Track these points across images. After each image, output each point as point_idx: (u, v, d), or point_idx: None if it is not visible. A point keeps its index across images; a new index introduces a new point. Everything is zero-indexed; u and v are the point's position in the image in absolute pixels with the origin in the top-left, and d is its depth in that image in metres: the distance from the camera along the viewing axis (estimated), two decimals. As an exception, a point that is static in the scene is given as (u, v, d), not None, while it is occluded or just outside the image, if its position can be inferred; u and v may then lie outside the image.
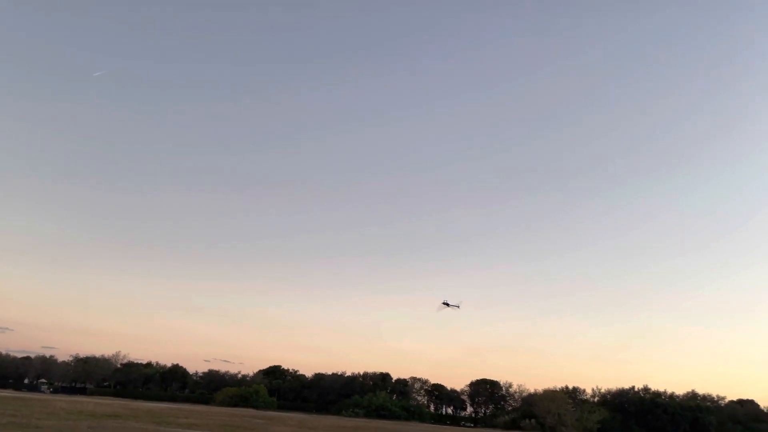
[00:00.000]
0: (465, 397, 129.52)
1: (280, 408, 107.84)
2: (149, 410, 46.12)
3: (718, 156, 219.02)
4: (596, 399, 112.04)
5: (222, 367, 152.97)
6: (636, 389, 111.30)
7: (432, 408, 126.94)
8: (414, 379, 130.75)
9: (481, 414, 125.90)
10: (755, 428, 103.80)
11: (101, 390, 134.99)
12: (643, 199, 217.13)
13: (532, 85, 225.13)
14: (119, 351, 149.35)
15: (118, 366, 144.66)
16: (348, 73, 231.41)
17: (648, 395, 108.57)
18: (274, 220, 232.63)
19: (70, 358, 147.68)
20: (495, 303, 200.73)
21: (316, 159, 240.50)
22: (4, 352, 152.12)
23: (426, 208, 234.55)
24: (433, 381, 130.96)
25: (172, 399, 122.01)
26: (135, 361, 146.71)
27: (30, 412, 29.62)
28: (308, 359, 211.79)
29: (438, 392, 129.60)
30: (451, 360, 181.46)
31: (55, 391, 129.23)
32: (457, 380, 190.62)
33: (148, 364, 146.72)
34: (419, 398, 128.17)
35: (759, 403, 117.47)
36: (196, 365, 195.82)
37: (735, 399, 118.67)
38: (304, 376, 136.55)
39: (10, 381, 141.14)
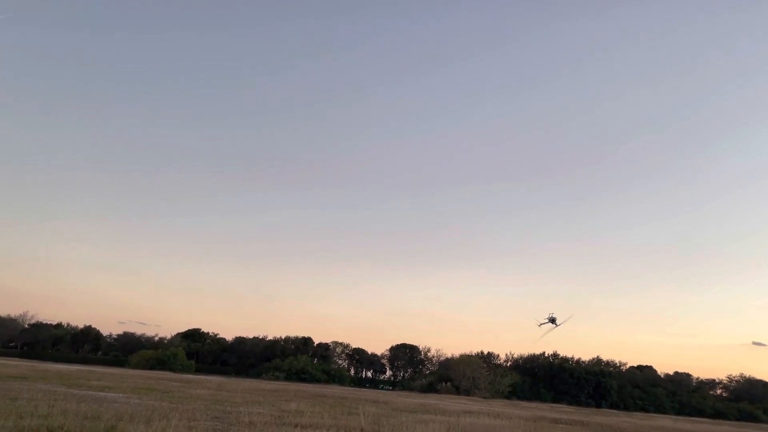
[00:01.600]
0: (385, 361, 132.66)
1: (199, 371, 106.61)
2: (59, 372, 44.44)
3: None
4: (509, 364, 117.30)
5: (138, 330, 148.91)
6: (546, 355, 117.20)
7: (352, 371, 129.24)
8: (336, 343, 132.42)
9: (400, 377, 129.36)
10: (651, 391, 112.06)
11: (7, 351, 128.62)
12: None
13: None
14: (27, 311, 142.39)
15: (26, 326, 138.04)
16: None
17: (556, 360, 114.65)
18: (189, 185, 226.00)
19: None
20: (414, 267, 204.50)
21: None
22: None
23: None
24: (354, 345, 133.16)
25: (84, 361, 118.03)
26: (44, 322, 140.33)
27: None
28: (229, 323, 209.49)
29: (359, 356, 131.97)
30: (374, 325, 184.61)
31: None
32: (379, 344, 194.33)
33: (59, 325, 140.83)
34: (340, 362, 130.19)
35: (656, 369, 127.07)
36: (110, 327, 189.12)
37: (635, 365, 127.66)
38: (224, 339, 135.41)
39: None
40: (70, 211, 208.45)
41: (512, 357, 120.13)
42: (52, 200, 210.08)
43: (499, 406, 54.59)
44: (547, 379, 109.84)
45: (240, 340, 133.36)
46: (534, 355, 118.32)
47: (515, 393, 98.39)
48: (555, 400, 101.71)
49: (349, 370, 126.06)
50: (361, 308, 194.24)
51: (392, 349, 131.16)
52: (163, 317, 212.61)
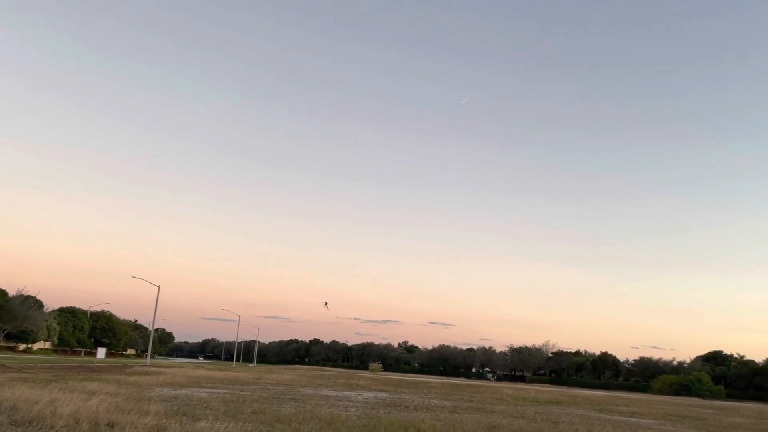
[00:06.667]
0: None
1: (729, 397, 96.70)
2: (587, 397, 46.78)
3: None
4: None
5: (652, 354, 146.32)
6: None
7: None
8: None
9: None
10: None
11: (538, 378, 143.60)
12: None
13: None
14: (548, 340, 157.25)
15: (550, 355, 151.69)
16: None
17: None
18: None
19: (506, 349, 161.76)
20: None
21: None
22: (452, 345, 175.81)
23: None
24: None
25: (606, 387, 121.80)
26: (564, 350, 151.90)
27: (483, 398, 33.18)
28: (756, 343, 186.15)
29: None
30: None
31: (499, 379, 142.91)
32: None
33: (577, 353, 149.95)
34: None
35: None
36: (625, 352, 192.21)
37: None
38: (753, 361, 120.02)
39: (461, 370, 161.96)
40: (576, 244, 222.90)
41: None
42: (556, 237, 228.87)
43: None
44: None
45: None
46: None
47: None
48: None
49: None
50: None
51: None
52: (677, 340, 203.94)
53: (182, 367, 56.38)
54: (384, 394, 30.06)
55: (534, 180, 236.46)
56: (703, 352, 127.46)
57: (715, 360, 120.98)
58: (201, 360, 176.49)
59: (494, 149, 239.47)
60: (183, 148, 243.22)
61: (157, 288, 68.86)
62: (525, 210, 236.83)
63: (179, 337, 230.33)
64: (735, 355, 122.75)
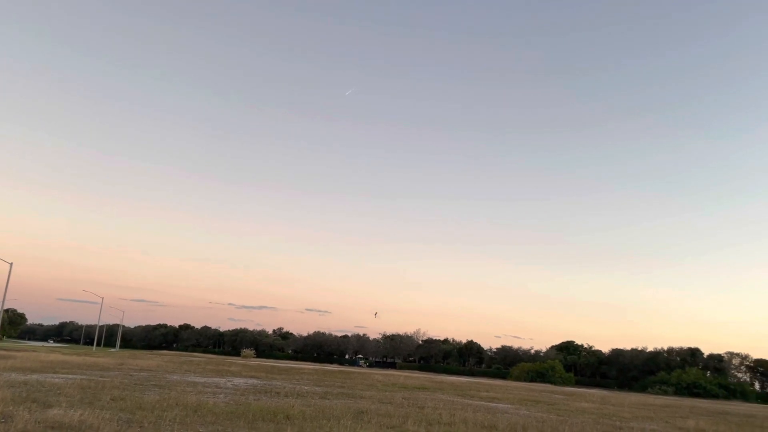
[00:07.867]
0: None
1: (578, 384, 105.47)
2: (452, 383, 49.00)
3: None
4: None
5: (512, 343, 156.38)
6: None
7: (757, 386, 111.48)
8: (731, 354, 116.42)
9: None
10: None
11: (408, 364, 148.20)
12: None
13: None
14: (419, 328, 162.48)
15: (420, 342, 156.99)
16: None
17: None
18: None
19: (379, 336, 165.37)
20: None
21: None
22: (327, 332, 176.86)
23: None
24: (756, 356, 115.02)
25: (470, 373, 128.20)
26: (434, 338, 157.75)
27: (353, 384, 33.74)
28: (603, 334, 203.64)
29: (763, 368, 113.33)
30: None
31: (370, 366, 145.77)
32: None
33: (446, 341, 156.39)
34: (739, 375, 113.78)
35: None
36: (489, 341, 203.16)
37: None
38: (600, 351, 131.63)
39: (335, 357, 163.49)
40: (444, 237, 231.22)
41: None
42: (429, 231, 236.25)
43: None
44: None
45: (617, 352, 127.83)
46: None
47: None
48: None
49: (752, 385, 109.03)
50: (764, 312, 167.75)
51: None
52: (535, 330, 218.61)
53: (35, 351, 52.41)
54: (255, 381, 29.68)
55: (407, 171, 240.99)
56: (557, 341, 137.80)
57: (567, 349, 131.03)
58: (54, 343, 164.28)
59: (378, 141, 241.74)
60: (42, 124, 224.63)
61: (9, 265, 63.12)
62: (397, 198, 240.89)
63: (33, 319, 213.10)
64: (584, 345, 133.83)
